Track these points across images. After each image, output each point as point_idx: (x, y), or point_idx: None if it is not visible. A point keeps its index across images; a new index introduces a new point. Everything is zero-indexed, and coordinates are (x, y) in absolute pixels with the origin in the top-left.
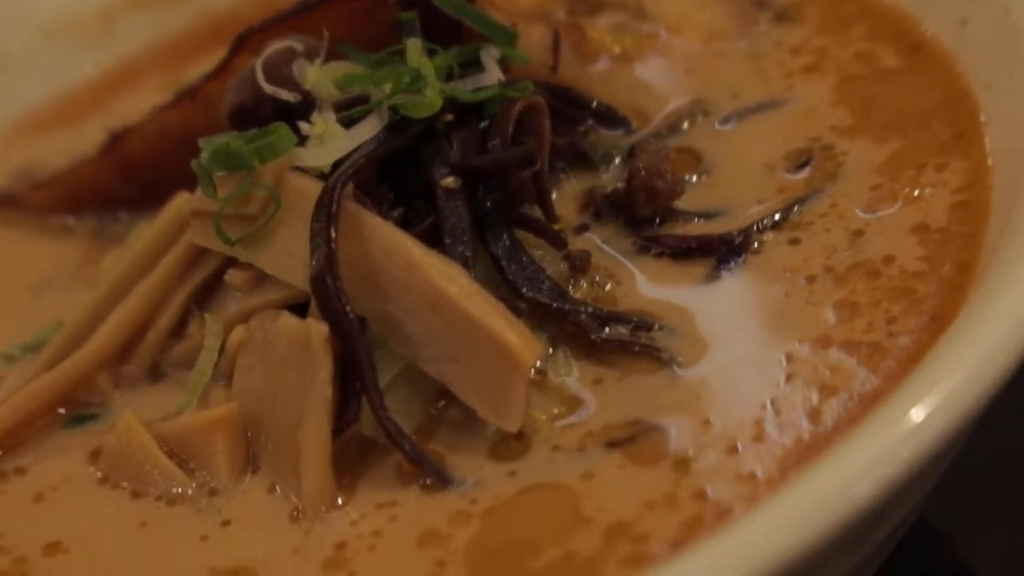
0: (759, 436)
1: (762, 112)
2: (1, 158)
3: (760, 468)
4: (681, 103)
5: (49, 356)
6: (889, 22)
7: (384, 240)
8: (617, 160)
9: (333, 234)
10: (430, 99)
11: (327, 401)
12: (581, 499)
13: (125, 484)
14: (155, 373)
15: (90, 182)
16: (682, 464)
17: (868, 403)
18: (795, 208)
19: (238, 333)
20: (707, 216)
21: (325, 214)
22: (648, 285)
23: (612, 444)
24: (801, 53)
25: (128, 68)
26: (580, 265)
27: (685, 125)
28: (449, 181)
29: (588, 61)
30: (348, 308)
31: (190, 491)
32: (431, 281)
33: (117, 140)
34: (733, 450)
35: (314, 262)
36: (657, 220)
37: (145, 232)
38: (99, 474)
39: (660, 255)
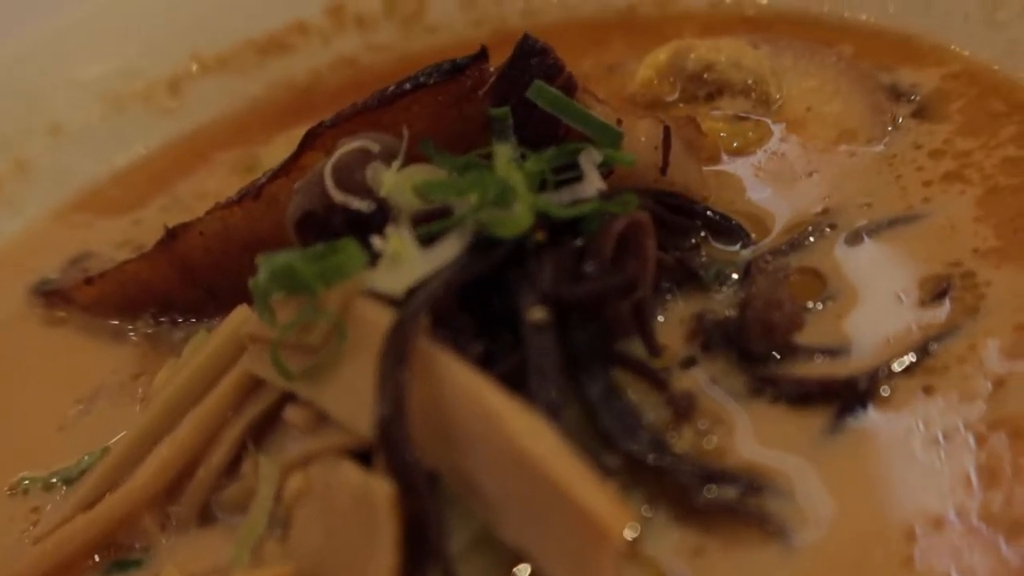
0: None
1: (896, 228)
2: (54, 243)
3: None
4: (805, 210)
5: (89, 491)
6: None
7: (461, 385)
8: (732, 278)
9: (403, 377)
10: (519, 216)
11: (390, 569)
12: None
13: None
14: (206, 515)
15: (145, 282)
16: None
17: None
18: (929, 349)
19: (296, 480)
20: (830, 352)
21: (395, 354)
22: (761, 436)
23: None
24: (942, 158)
25: (196, 142)
26: (684, 411)
27: (810, 239)
28: (538, 314)
29: (702, 159)
30: (418, 463)
31: None
32: (512, 437)
33: (174, 237)
34: None
35: (380, 407)
36: (776, 355)
37: (201, 347)
38: None
39: (776, 399)
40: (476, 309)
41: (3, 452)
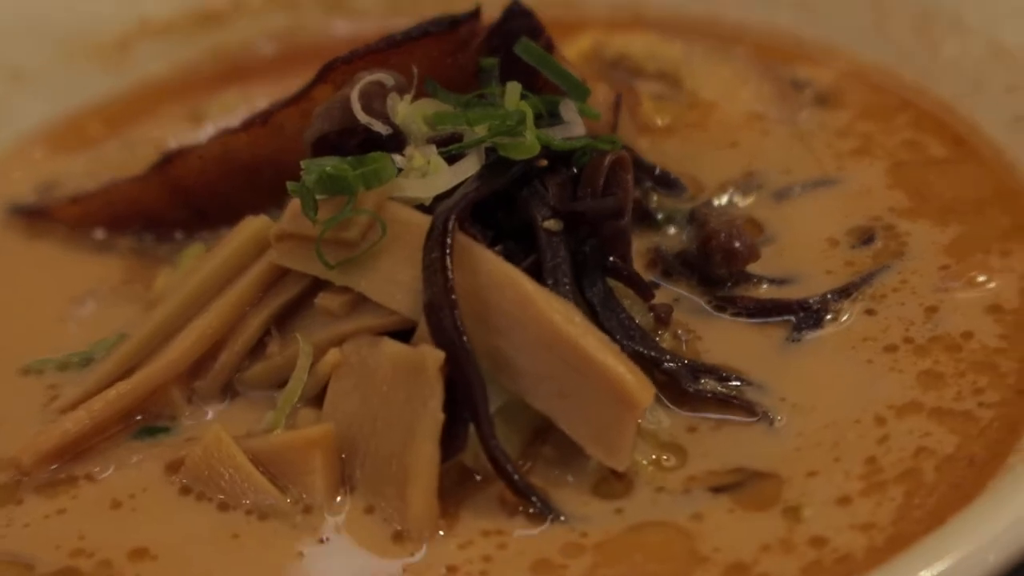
0: (867, 491)
1: (817, 189)
2: (21, 173)
3: (875, 519)
4: (731, 175)
5: (116, 366)
6: (930, 114)
7: (496, 274)
8: (677, 222)
9: (449, 263)
10: (530, 142)
11: (438, 427)
12: (695, 539)
13: (210, 496)
14: (228, 391)
15: (135, 201)
16: (793, 511)
17: (975, 468)
18: (867, 280)
19: (333, 355)
20: (778, 282)
21: (440, 243)
22: (728, 342)
23: (717, 489)
24: (847, 136)
25: (143, 96)
26: (664, 317)
27: (739, 196)
28: (551, 223)
29: (640, 127)
30: (465, 338)
31: (284, 507)
32: (547, 317)
33: (170, 161)
34: (845, 501)
35: (429, 291)
36: (730, 282)
37: (214, 252)
38: (180, 485)
39: (737, 314)
40: (486, 221)
41: (7, 342)
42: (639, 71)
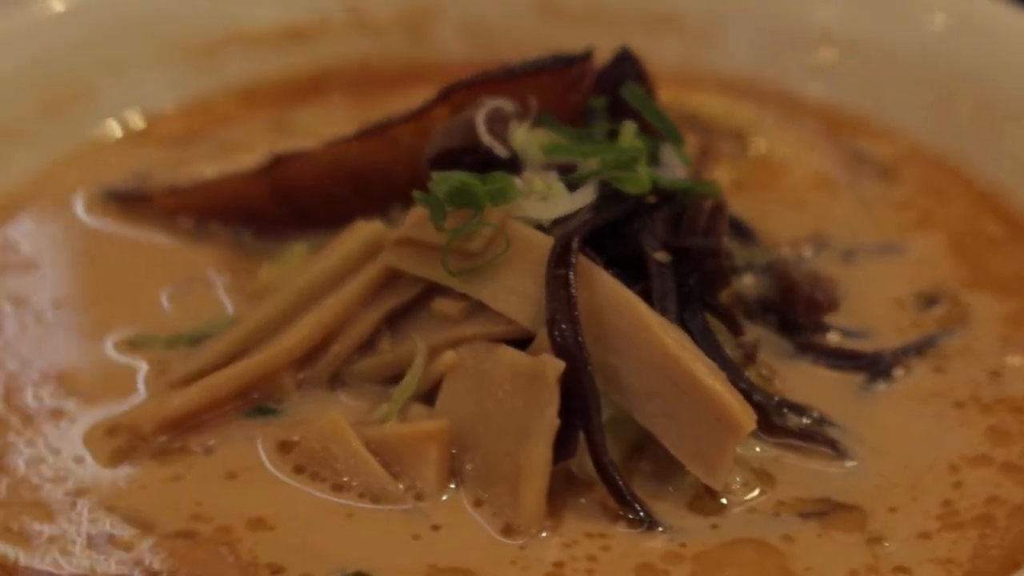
0: (945, 529)
1: (882, 253)
2: (114, 161)
3: (954, 555)
4: (800, 233)
5: (228, 347)
6: (987, 195)
7: (613, 296)
8: (753, 270)
9: (573, 281)
10: (644, 178)
11: (553, 431)
12: (787, 558)
13: (324, 477)
14: (334, 381)
15: (238, 196)
16: (877, 541)
17: None
18: (935, 340)
19: (450, 356)
20: (851, 334)
21: (565, 261)
22: (807, 385)
23: (805, 515)
24: (908, 209)
25: (228, 101)
26: (750, 354)
27: (810, 253)
28: (661, 255)
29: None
30: (586, 351)
31: (396, 493)
32: (661, 341)
33: (280, 163)
34: (925, 536)
35: (553, 304)
36: (808, 330)
37: (327, 251)
38: (293, 464)
39: (816, 361)
40: (597, 250)
41: (116, 317)
42: (711, 129)
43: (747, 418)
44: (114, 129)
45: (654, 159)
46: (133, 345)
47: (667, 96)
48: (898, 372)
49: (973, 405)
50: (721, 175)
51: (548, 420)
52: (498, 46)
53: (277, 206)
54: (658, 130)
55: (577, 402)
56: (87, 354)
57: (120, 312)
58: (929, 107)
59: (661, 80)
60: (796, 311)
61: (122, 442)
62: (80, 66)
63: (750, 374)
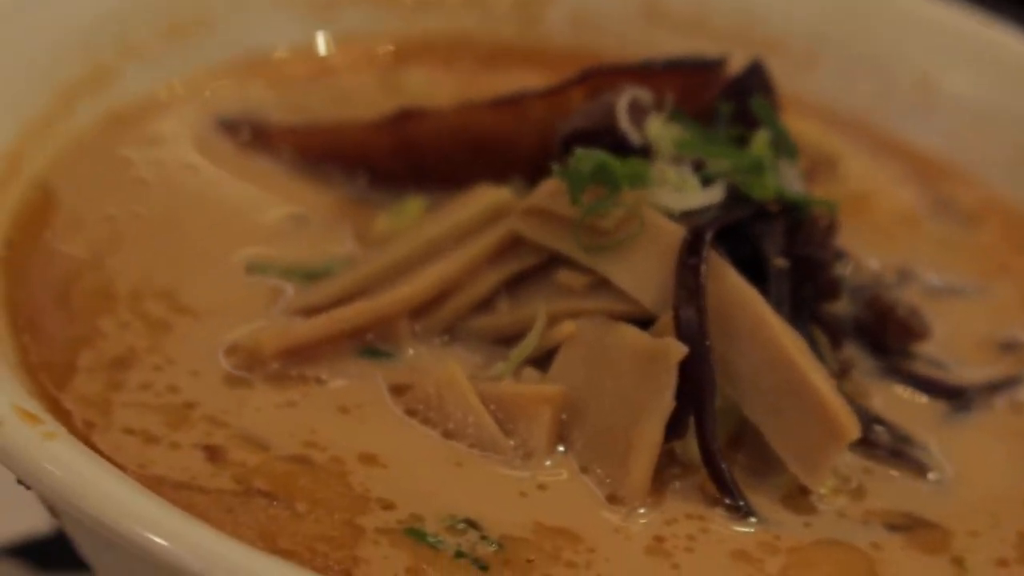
0: (1021, 559)
1: (965, 294)
2: (231, 93)
3: None
4: (887, 263)
5: (349, 285)
6: None
7: (737, 291)
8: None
9: (704, 271)
10: (771, 186)
11: (668, 412)
12: (876, 563)
13: (435, 424)
14: (448, 333)
15: (359, 144)
16: (959, 561)
17: None
18: (1016, 382)
19: (569, 326)
20: (935, 364)
21: (698, 251)
22: (894, 406)
23: (892, 527)
24: (989, 256)
25: (342, 53)
26: (846, 368)
27: (895, 282)
28: (780, 262)
29: None
30: (708, 341)
31: (506, 448)
32: (779, 342)
33: (408, 118)
34: (1003, 563)
35: (682, 291)
36: (898, 355)
37: (451, 209)
38: (405, 407)
39: (904, 385)
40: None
41: (231, 240)
42: (805, 155)
43: (853, 426)
44: (231, 62)
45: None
46: (250, 269)
47: None
48: (981, 407)
49: None
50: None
51: (665, 401)
52: (602, 42)
53: (395, 159)
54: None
55: (693, 387)
56: (203, 271)
57: (235, 236)
58: (1014, 163)
59: None
60: (889, 334)
61: (239, 361)
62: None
63: (843, 388)
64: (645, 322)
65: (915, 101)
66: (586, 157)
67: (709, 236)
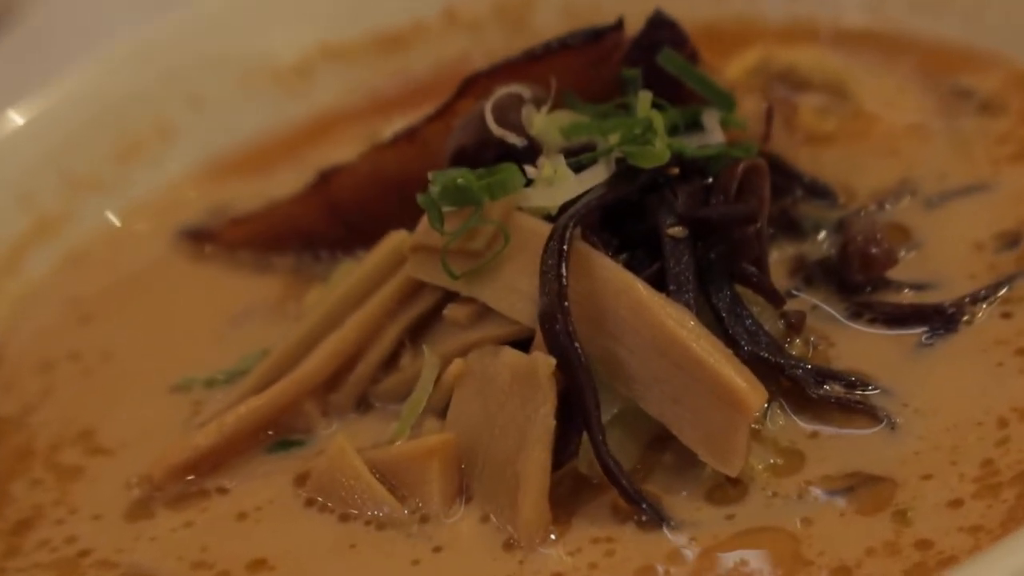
0: (979, 493)
1: (970, 194)
2: (195, 197)
3: (984, 522)
4: (887, 182)
5: (255, 381)
6: None
7: (613, 280)
8: (825, 230)
9: (564, 271)
10: (659, 151)
11: (550, 433)
12: (801, 543)
13: (333, 507)
14: (363, 404)
15: (293, 220)
16: (902, 514)
17: None
18: (1007, 283)
19: (457, 366)
20: (918, 287)
21: (556, 252)
22: (860, 348)
23: (831, 493)
24: (1007, 142)
25: (321, 119)
26: (795, 324)
27: (892, 203)
28: (676, 230)
29: (797, 137)
30: (577, 344)
31: (401, 517)
32: (660, 322)
33: (327, 179)
34: (956, 504)
35: (544, 298)
36: (869, 288)
37: (357, 267)
38: (305, 497)
39: (872, 321)
40: (616, 229)
41: (164, 361)
42: (806, 84)
43: (755, 396)
44: (197, 165)
45: (696, 127)
46: (175, 389)
47: (753, 57)
48: (963, 322)
49: None
50: (813, 129)
51: (543, 422)
52: None
53: (332, 226)
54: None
55: (574, 399)
56: (129, 402)
57: (175, 356)
58: None
59: (764, 38)
60: (852, 269)
61: (140, 494)
62: (160, 106)
63: (793, 346)
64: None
65: None
66: (437, 179)
67: (571, 229)
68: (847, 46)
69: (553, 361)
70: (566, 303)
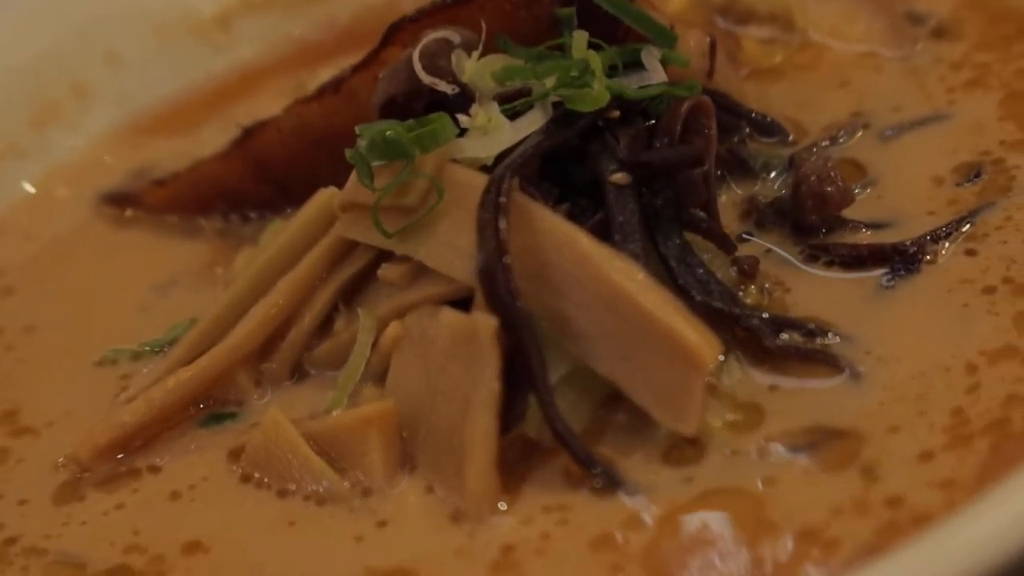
0: (951, 445)
1: (926, 126)
2: (116, 159)
3: (956, 475)
4: (839, 116)
5: (184, 352)
6: None
7: (555, 233)
8: (776, 170)
9: (502, 225)
10: (598, 93)
11: (495, 397)
12: (765, 505)
13: (270, 483)
14: (297, 372)
15: (218, 180)
16: (870, 470)
17: None
18: (970, 219)
19: (394, 329)
20: (875, 227)
21: (493, 204)
22: (818, 293)
23: (794, 450)
24: (962, 69)
25: (245, 73)
26: (749, 271)
27: (845, 138)
28: (619, 177)
29: (742, 72)
30: (519, 302)
31: (342, 491)
32: (606, 276)
33: (250, 136)
34: (926, 457)
35: (482, 254)
36: (824, 229)
37: (285, 228)
38: (240, 472)
39: (829, 264)
40: (557, 178)
41: (88, 333)
42: (750, 15)
43: (709, 350)
44: (118, 126)
45: (635, 66)
46: (101, 362)
47: None
48: (924, 262)
49: (1005, 288)
50: (759, 62)
51: (487, 385)
52: None
53: (259, 184)
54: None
55: (520, 360)
56: (52, 380)
57: (98, 327)
58: None
59: None
60: (805, 210)
61: (68, 475)
62: (76, 65)
63: (748, 293)
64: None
65: None
66: (365, 133)
67: (507, 181)
68: None
69: (495, 321)
70: (506, 258)
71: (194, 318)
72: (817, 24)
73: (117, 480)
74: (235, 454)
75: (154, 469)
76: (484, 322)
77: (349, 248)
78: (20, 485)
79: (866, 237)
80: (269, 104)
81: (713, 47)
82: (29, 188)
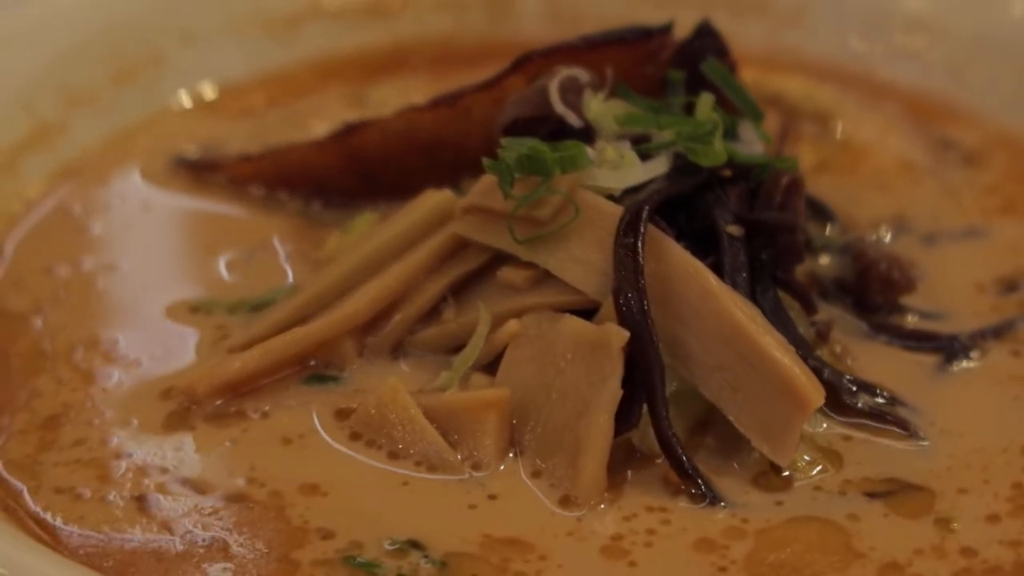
0: (1015, 512)
1: (965, 238)
2: (187, 131)
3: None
4: (883, 215)
5: (286, 315)
6: None
7: (683, 266)
8: (830, 251)
9: (641, 250)
10: (719, 151)
11: (615, 402)
12: (852, 536)
13: (380, 444)
14: (397, 349)
15: (307, 165)
16: (944, 522)
17: None
18: (1014, 324)
19: (513, 325)
20: (928, 316)
21: (634, 231)
22: (881, 365)
23: (872, 495)
24: (994, 194)
25: (309, 73)
26: (824, 333)
27: (892, 236)
28: (734, 228)
29: None
30: (651, 321)
31: (454, 462)
32: (729, 313)
33: (352, 131)
34: (994, 519)
35: (619, 274)
36: (885, 310)
37: (396, 220)
38: (350, 430)
39: (890, 342)
40: (669, 222)
41: (175, 281)
42: (794, 111)
43: (816, 394)
44: (186, 99)
45: (732, 134)
46: (195, 310)
47: (749, 77)
48: (975, 355)
49: None
50: (804, 157)
51: (610, 390)
52: (581, 25)
53: (348, 176)
54: (738, 107)
55: (641, 373)
56: (146, 319)
57: (183, 278)
58: (1016, 93)
59: (745, 62)
60: (872, 291)
61: (176, 405)
62: (154, 35)
63: (822, 353)
64: (591, 312)
65: (906, 43)
66: (512, 146)
67: (646, 212)
68: (831, 82)
69: (627, 334)
70: (643, 281)
71: (294, 285)
72: (858, 130)
73: (227, 418)
74: (342, 414)
75: (262, 414)
76: (617, 333)
77: (460, 246)
78: (126, 408)
79: (918, 324)
80: (330, 105)
81: (786, 131)
82: (107, 140)
